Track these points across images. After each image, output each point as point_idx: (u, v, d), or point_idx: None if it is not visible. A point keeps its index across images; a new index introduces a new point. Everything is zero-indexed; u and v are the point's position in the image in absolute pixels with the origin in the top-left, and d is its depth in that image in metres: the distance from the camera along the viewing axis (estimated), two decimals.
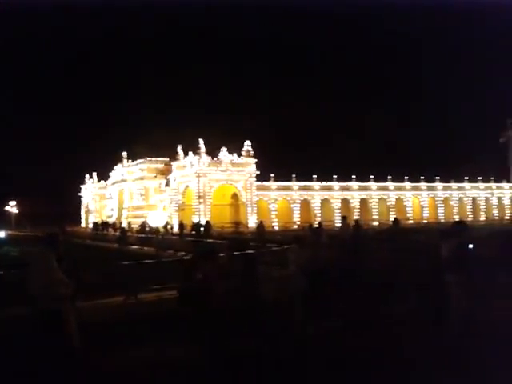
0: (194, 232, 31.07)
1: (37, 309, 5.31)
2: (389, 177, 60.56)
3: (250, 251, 10.16)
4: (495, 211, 63.59)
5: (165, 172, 58.37)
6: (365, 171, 59.29)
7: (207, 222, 32.71)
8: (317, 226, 16.00)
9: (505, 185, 63.62)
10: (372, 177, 59.85)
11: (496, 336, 6.43)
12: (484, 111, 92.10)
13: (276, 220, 52.65)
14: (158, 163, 60.30)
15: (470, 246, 7.26)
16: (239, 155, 52.84)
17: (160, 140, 58.35)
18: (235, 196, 53.18)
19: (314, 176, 57.25)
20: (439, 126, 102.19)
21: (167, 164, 58.59)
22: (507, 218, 57.66)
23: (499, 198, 64.78)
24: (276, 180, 55.49)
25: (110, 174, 66.95)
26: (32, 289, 5.35)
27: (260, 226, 27.40)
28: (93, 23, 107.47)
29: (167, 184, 56.52)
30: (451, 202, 62.80)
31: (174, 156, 55.77)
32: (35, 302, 5.30)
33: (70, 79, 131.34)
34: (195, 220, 44.62)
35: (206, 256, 6.57)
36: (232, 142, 52.26)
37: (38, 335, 5.41)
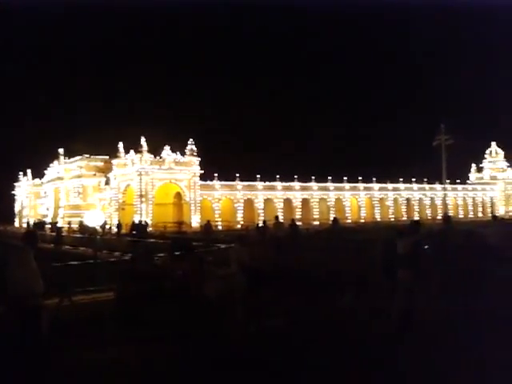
0: (133, 232, 30.41)
1: (16, 306, 5.13)
2: (329, 177, 62.26)
3: (194, 251, 10.08)
4: (428, 211, 67.02)
5: (105, 170, 56.56)
6: (307, 172, 60.72)
7: (140, 221, 32.22)
8: (261, 225, 16.18)
9: (437, 186, 67.15)
10: (313, 177, 61.25)
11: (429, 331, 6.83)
12: (419, 116, 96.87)
13: (220, 219, 52.55)
14: (97, 161, 58.29)
15: (426, 246, 7.66)
16: (183, 154, 52.25)
17: (100, 137, 56.67)
18: (178, 195, 52.54)
19: (258, 176, 57.78)
20: (377, 131, 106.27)
21: (107, 162, 56.80)
22: (439, 217, 60.97)
23: (432, 199, 68.35)
24: (220, 180, 55.43)
25: (46, 171, 63.95)
26: (12, 286, 5.16)
27: (207, 225, 27.29)
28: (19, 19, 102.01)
29: (107, 182, 54.82)
30: (387, 202, 65.51)
31: (114, 154, 54.17)
32: (15, 299, 5.12)
33: (1, 75, 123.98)
34: (137, 220, 43.61)
35: (183, 255, 6.49)
36: (176, 140, 51.64)
37: (12, 333, 5.20)
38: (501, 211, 71.71)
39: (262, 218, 46.71)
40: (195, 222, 50.54)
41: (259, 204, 56.93)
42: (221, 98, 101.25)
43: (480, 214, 69.77)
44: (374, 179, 65.10)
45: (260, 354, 6.21)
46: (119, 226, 34.55)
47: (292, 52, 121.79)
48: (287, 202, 58.94)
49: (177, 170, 51.21)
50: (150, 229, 45.13)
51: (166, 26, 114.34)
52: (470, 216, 67.14)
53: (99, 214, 34.46)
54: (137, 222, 37.25)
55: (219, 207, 54.45)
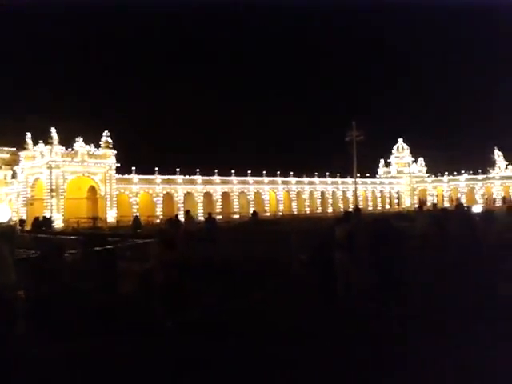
0: (38, 228, 28.91)
1: None
2: (249, 172, 63.16)
3: (108, 247, 9.86)
4: (341, 203, 70.45)
5: (11, 163, 52.78)
6: (227, 166, 61.09)
7: (44, 217, 30.85)
8: (173, 219, 16.12)
9: (349, 180, 70.73)
10: (233, 172, 61.76)
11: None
12: (334, 112, 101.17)
13: (138, 214, 51.22)
14: (3, 153, 54.27)
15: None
16: (98, 146, 50.18)
17: (6, 128, 52.49)
18: (93, 189, 50.41)
19: (178, 170, 57.09)
20: (295, 127, 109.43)
21: (14, 154, 53.02)
22: (350, 209, 64.30)
23: (344, 192, 71.94)
24: (138, 173, 54.00)
25: None
26: None
27: (135, 220, 27.05)
28: None
29: (14, 176, 51.22)
30: (303, 196, 67.91)
31: (21, 145, 50.58)
32: None
33: None
34: (47, 215, 41.30)
35: (96, 251, 6.31)
36: (90, 132, 49.37)
37: None
38: (406, 203, 77.43)
39: (183, 213, 46.47)
40: (111, 217, 48.87)
41: (179, 198, 56.35)
42: (142, 89, 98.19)
43: (387, 206, 74.71)
44: (292, 173, 67.13)
45: (177, 348, 6.29)
46: (22, 221, 32.79)
47: (211, 47, 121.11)
48: (207, 196, 58.95)
49: (91, 163, 49.07)
50: (59, 225, 43.00)
51: (76, 14, 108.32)
52: (378, 208, 71.58)
53: (5, 210, 32.18)
54: (40, 217, 35.34)
55: (137, 201, 53.10)
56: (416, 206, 72.70)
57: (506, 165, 71.49)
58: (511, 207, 9.12)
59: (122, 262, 8.48)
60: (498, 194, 69.57)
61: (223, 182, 60.91)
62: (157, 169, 55.25)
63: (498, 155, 72.23)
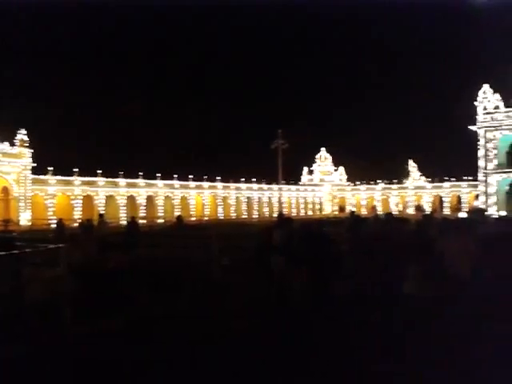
0: None
1: None
2: (175, 175, 62.34)
3: (15, 252, 9.22)
4: (266, 209, 71.66)
5: None
6: (152, 169, 59.81)
7: None
8: (86, 223, 15.53)
9: (274, 186, 72.15)
10: (159, 175, 60.62)
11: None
12: (262, 120, 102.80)
13: (54, 217, 48.52)
14: None
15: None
16: (12, 144, 47.02)
17: None
18: (5, 190, 47.08)
19: (99, 172, 54.94)
20: (223, 132, 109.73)
21: None
22: (275, 215, 65.68)
23: (269, 198, 73.27)
24: (56, 174, 51.24)
25: None
26: None
27: (59, 223, 25.43)
28: None
29: None
30: (229, 201, 68.22)
31: None
32: None
33: None
34: None
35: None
36: (4, 129, 46.05)
37: None
38: (327, 210, 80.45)
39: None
40: (24, 219, 45.91)
41: (100, 201, 54.20)
42: (66, 88, 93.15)
43: (310, 212, 77.19)
44: (219, 178, 67.19)
45: (86, 356, 6.06)
46: None
47: (141, 47, 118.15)
48: (131, 200, 57.28)
49: (4, 162, 45.86)
50: None
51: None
52: (301, 214, 73.66)
53: None
54: None
55: (54, 204, 50.34)
56: (337, 212, 76.17)
57: (419, 175, 76.64)
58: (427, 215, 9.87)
59: (29, 268, 8.00)
60: (410, 202, 74.33)
61: (148, 186, 59.53)
62: (76, 170, 52.84)
63: (412, 166, 77.24)
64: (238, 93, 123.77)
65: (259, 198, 72.41)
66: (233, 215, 66.89)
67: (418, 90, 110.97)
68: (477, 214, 9.91)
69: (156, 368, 5.71)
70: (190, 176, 63.95)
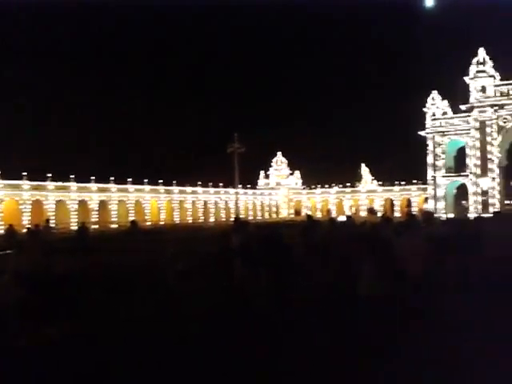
0: None
1: None
2: (129, 179, 61.00)
3: None
4: (223, 213, 71.47)
5: None
6: (105, 173, 58.24)
7: None
8: (33, 228, 14.95)
9: (231, 190, 72.14)
10: (112, 179, 59.14)
11: None
12: (219, 124, 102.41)
13: (2, 223, 46.30)
14: None
15: None
16: None
17: None
18: None
19: (49, 175, 52.93)
20: (179, 135, 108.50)
21: None
22: (231, 219, 65.59)
23: (226, 202, 73.15)
24: (3, 178, 48.89)
25: None
26: None
27: (9, 229, 24.23)
28: None
29: None
30: (186, 205, 67.56)
31: None
32: None
33: None
34: None
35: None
36: None
37: None
38: (284, 213, 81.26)
39: (54, 221, 43.10)
40: None
41: (50, 206, 52.23)
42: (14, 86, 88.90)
43: (267, 216, 77.69)
44: (175, 182, 66.39)
45: (28, 367, 5.79)
46: None
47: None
48: (82, 204, 55.54)
49: None
50: None
51: None
52: (258, 218, 73.99)
53: None
54: None
55: (1, 209, 48.07)
56: (293, 215, 77.08)
57: (372, 179, 78.88)
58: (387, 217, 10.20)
59: None
60: (363, 205, 76.27)
61: (100, 190, 57.94)
62: (25, 174, 50.68)
63: (365, 170, 79.40)
64: (199, 94, 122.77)
65: (216, 202, 72.14)
66: (189, 219, 66.25)
67: (371, 96, 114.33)
68: (426, 216, 10.29)
69: (106, 372, 5.55)
70: (145, 180, 62.84)
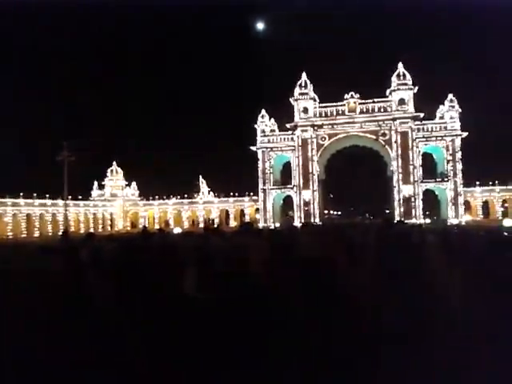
0: None
1: None
2: None
3: None
4: (50, 227, 65.61)
5: None
6: None
7: None
8: None
9: (59, 202, 66.80)
10: None
11: None
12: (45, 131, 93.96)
13: None
14: None
15: None
16: None
17: None
18: None
19: None
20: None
21: None
22: (60, 233, 60.60)
23: (54, 215, 67.34)
24: None
25: None
26: None
27: None
28: None
29: None
30: (5, 219, 60.35)
31: None
32: None
33: None
34: None
35: None
36: None
37: None
38: (119, 226, 78.21)
39: None
40: None
41: None
42: None
43: (100, 229, 73.73)
44: None
45: None
46: None
47: None
48: None
49: None
50: None
51: None
52: (91, 231, 69.73)
53: None
54: None
55: None
56: (129, 227, 74.60)
57: (209, 191, 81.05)
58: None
59: None
60: (201, 216, 77.90)
61: None
62: None
63: (202, 182, 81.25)
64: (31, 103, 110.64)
65: (41, 214, 65.89)
66: (9, 234, 59.22)
67: (210, 111, 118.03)
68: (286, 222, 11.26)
69: None
70: None
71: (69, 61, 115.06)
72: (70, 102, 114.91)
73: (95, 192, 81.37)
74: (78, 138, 70.38)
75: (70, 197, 58.88)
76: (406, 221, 50.76)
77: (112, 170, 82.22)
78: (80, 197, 72.83)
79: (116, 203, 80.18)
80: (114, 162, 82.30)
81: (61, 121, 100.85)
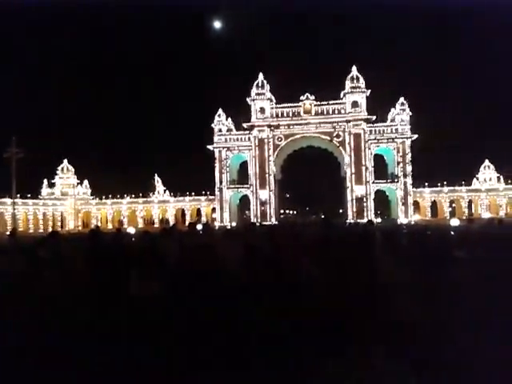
0: None
1: None
2: None
3: None
4: None
5: None
6: None
7: None
8: None
9: (7, 200, 63.94)
10: None
11: None
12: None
13: None
14: None
15: None
16: None
17: None
18: None
19: None
20: None
21: None
22: (8, 233, 58.05)
23: (1, 214, 64.47)
24: None
25: None
26: None
27: None
28: None
29: None
30: None
31: None
32: None
33: None
34: None
35: None
36: None
37: None
38: (70, 225, 75.84)
39: None
40: None
41: None
42: None
43: (50, 228, 71.21)
44: None
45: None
46: None
47: None
48: None
49: None
50: None
51: None
52: (40, 231, 67.25)
53: None
54: None
55: None
56: (80, 227, 72.53)
57: (164, 190, 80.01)
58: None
59: None
60: (156, 216, 76.82)
61: None
62: None
63: (158, 181, 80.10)
64: None
65: None
66: None
67: (167, 109, 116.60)
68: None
69: None
70: None
71: (17, 55, 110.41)
72: (19, 97, 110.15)
73: (45, 190, 78.49)
74: (28, 133, 67.76)
75: (18, 195, 56.54)
76: (358, 220, 52.34)
77: (63, 168, 79.54)
78: (29, 195, 70.08)
79: (67, 202, 77.69)
80: (65, 160, 79.70)
81: (9, 116, 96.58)
